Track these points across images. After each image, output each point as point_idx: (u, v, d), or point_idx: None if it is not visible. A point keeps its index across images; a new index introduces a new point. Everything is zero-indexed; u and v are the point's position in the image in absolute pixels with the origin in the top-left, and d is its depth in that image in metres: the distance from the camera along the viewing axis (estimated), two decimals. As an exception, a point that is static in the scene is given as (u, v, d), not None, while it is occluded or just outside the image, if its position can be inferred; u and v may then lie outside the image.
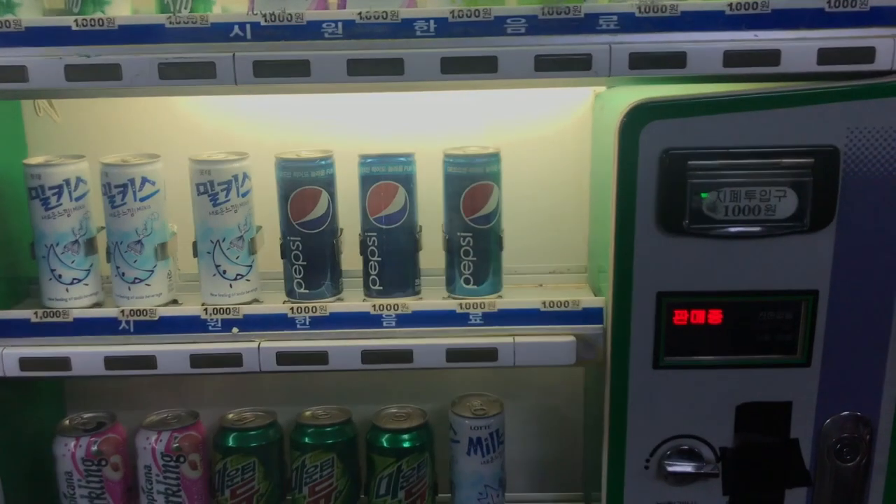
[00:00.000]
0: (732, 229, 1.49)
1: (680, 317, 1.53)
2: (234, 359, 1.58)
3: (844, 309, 1.52)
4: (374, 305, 1.60)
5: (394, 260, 1.65)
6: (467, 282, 1.66)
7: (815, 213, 1.48)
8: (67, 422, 1.77)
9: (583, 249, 1.82)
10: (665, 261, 1.50)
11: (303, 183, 1.59)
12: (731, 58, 1.43)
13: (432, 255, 1.70)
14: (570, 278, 1.82)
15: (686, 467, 1.58)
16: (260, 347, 1.58)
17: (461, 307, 1.60)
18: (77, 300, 1.64)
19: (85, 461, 1.70)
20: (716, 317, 1.53)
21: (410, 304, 1.61)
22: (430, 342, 1.59)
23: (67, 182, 1.59)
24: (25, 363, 1.58)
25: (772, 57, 1.43)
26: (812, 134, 1.45)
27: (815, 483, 1.60)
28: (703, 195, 1.47)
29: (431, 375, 1.92)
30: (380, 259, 1.64)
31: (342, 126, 1.79)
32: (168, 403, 1.85)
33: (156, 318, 1.59)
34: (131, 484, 1.77)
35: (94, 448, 1.71)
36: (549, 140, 1.83)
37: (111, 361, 1.58)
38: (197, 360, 1.58)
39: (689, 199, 1.47)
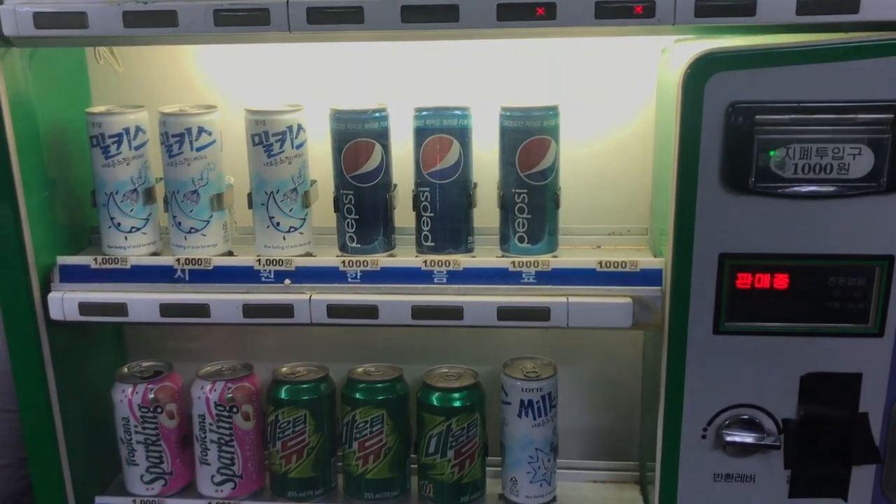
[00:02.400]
0: (802, 189, 1.41)
1: (743, 280, 1.46)
2: (286, 310, 1.58)
3: (922, 276, 1.44)
4: (425, 261, 1.58)
5: (446, 216, 1.62)
6: (521, 240, 1.62)
7: (893, 173, 1.39)
8: (126, 369, 1.81)
9: (645, 211, 1.76)
10: (729, 221, 1.43)
11: (356, 135, 1.57)
12: (806, 4, 1.35)
13: (488, 214, 1.67)
14: (630, 240, 1.75)
15: (746, 438, 1.52)
16: (311, 299, 1.58)
17: (514, 265, 1.57)
18: (135, 248, 1.66)
19: (141, 407, 1.74)
20: (782, 281, 1.46)
21: (462, 260, 1.58)
22: (481, 300, 1.56)
23: (127, 131, 1.61)
24: (85, 308, 1.62)
25: (850, 3, 1.34)
26: (892, 87, 1.36)
27: (884, 461, 1.53)
28: (772, 153, 1.40)
29: (485, 337, 1.89)
30: (432, 215, 1.62)
31: (399, 79, 1.76)
32: (225, 356, 1.86)
33: (210, 268, 1.61)
34: (186, 432, 1.80)
35: (151, 395, 1.74)
36: (613, 97, 1.76)
37: (166, 308, 1.60)
38: (249, 310, 1.59)
39: (755, 156, 1.40)
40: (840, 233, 1.42)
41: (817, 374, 1.49)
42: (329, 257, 1.62)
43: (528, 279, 1.57)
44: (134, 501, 1.77)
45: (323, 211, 1.69)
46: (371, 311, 1.57)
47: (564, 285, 1.56)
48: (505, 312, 1.56)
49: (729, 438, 1.52)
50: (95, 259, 1.62)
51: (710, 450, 1.54)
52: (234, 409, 1.74)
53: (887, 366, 1.48)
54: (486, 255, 1.64)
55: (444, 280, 1.58)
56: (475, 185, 1.64)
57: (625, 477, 1.90)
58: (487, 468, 1.81)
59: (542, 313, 1.55)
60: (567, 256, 1.62)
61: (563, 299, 1.54)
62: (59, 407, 1.69)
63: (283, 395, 1.74)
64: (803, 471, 1.54)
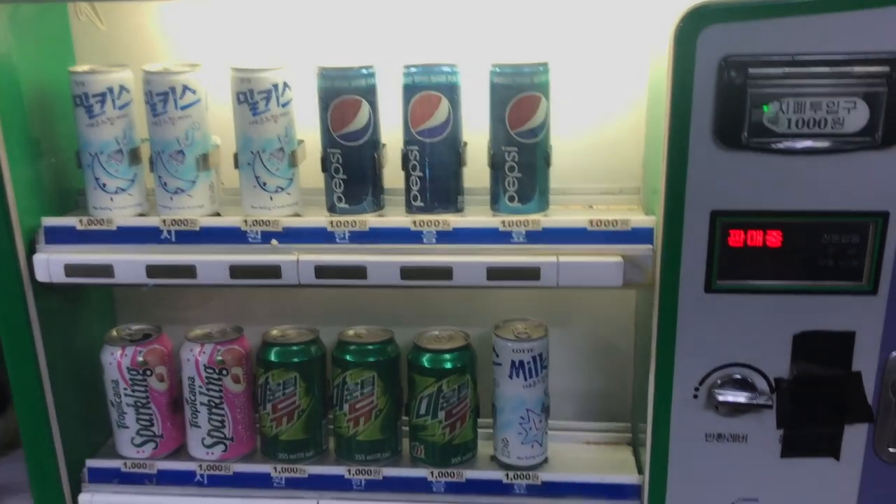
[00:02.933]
0: (796, 144, 1.39)
1: (735, 238, 1.44)
2: (273, 271, 1.57)
3: (917, 233, 1.42)
4: (414, 221, 1.56)
5: (436, 175, 1.59)
6: (512, 199, 1.59)
7: (889, 128, 1.36)
8: (115, 332, 1.80)
9: (637, 170, 1.73)
10: (721, 177, 1.41)
11: (343, 92, 1.55)
12: (801, -48, 1.32)
13: (479, 174, 1.64)
14: (623, 199, 1.73)
15: (738, 397, 1.51)
16: (299, 260, 1.56)
17: (504, 224, 1.55)
18: (121, 209, 1.64)
19: (130, 370, 1.73)
20: (774, 238, 1.44)
21: (452, 220, 1.56)
22: (470, 259, 1.54)
23: (111, 90, 1.58)
24: (70, 269, 1.60)
25: (846, -48, 1.31)
26: (888, 39, 1.33)
27: (877, 420, 1.52)
28: (765, 108, 1.37)
29: (477, 300, 1.88)
30: (421, 174, 1.59)
31: (388, 36, 1.72)
32: (215, 320, 1.85)
33: (197, 229, 1.59)
34: (176, 395, 1.79)
35: (140, 358, 1.73)
36: (605, 54, 1.73)
37: (153, 270, 1.59)
38: (236, 270, 1.57)
39: (748, 111, 1.37)
40: (834, 189, 1.40)
41: (810, 333, 1.48)
42: (317, 217, 1.60)
43: (519, 239, 1.55)
44: (125, 464, 1.77)
45: (311, 172, 1.66)
46: (359, 271, 1.56)
47: (555, 244, 1.54)
48: (495, 272, 1.54)
49: (721, 398, 1.51)
50: (81, 220, 1.61)
51: (701, 409, 1.54)
52: (224, 372, 1.73)
53: (881, 324, 1.46)
54: (476, 215, 1.62)
55: (434, 240, 1.56)
56: (465, 143, 1.61)
57: (617, 438, 1.89)
58: (479, 430, 1.81)
59: (532, 273, 1.53)
60: (558, 216, 1.60)
61: (554, 258, 1.52)
62: (47, 370, 1.68)
63: (273, 357, 1.73)
64: (795, 430, 1.53)
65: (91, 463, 1.78)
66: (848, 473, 1.55)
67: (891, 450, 1.52)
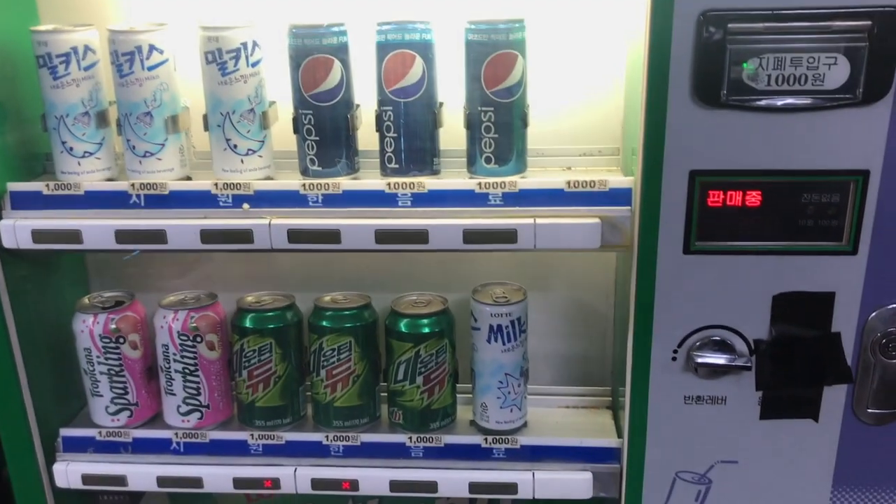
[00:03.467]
0: (776, 101, 1.36)
1: (714, 198, 1.42)
2: (245, 235, 1.53)
3: (898, 192, 1.40)
4: (388, 183, 1.53)
5: (410, 136, 1.56)
6: (488, 161, 1.56)
7: (870, 84, 1.33)
8: (87, 300, 1.77)
9: (617, 131, 1.70)
10: (700, 136, 1.38)
11: (314, 51, 1.50)
12: None
13: (455, 136, 1.61)
14: (602, 161, 1.70)
15: (717, 359, 1.50)
16: (271, 224, 1.53)
17: (480, 187, 1.52)
18: (89, 174, 1.60)
19: (103, 338, 1.70)
20: (754, 198, 1.42)
21: (427, 182, 1.53)
22: (446, 222, 1.52)
23: (75, 50, 1.54)
24: (38, 235, 1.57)
25: None
26: (870, -7, 1.31)
27: (856, 380, 1.51)
28: (746, 65, 1.34)
29: (457, 266, 1.85)
30: (396, 135, 1.56)
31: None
32: (190, 287, 1.82)
33: (166, 193, 1.55)
34: (151, 363, 1.77)
35: (112, 325, 1.70)
36: (584, 11, 1.69)
37: (122, 235, 1.55)
38: (207, 235, 1.54)
39: (728, 68, 1.34)
40: (814, 147, 1.37)
41: (790, 294, 1.46)
42: (289, 181, 1.57)
43: (495, 201, 1.52)
44: (99, 433, 1.75)
45: (284, 134, 1.62)
46: (333, 235, 1.53)
47: (532, 207, 1.51)
48: (471, 235, 1.51)
49: (700, 360, 1.50)
50: (48, 185, 1.57)
51: (680, 372, 1.52)
52: (199, 339, 1.70)
53: (860, 284, 1.45)
54: (452, 178, 1.59)
55: (409, 203, 1.53)
56: (441, 104, 1.58)
57: (597, 402, 1.88)
58: (458, 395, 1.79)
59: (508, 235, 1.51)
60: (535, 178, 1.57)
61: (531, 221, 1.50)
62: (17, 339, 1.65)
63: (247, 323, 1.70)
64: (775, 392, 1.53)
65: (65, 432, 1.76)
66: (827, 434, 1.54)
67: (869, 410, 1.52)
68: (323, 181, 1.54)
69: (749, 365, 1.49)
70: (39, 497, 1.77)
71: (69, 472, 1.74)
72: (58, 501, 1.79)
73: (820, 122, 1.36)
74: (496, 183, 1.51)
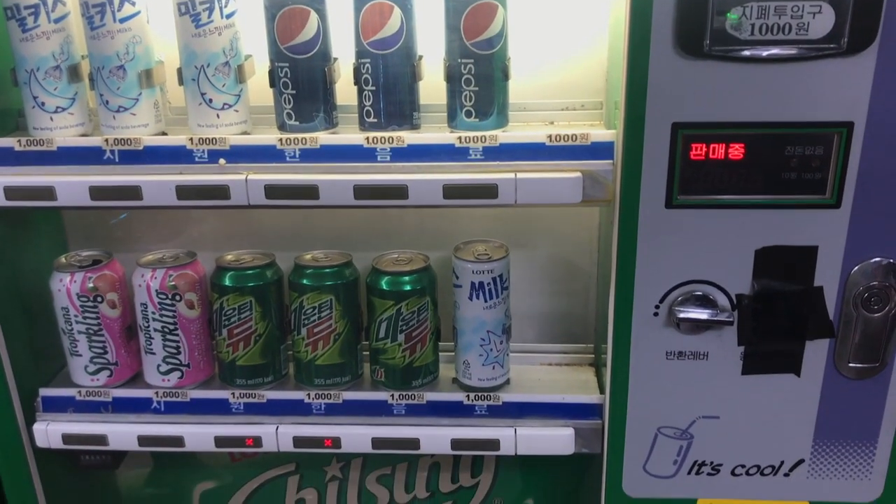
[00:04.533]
0: (760, 52, 1.33)
1: (697, 151, 1.40)
2: (222, 191, 1.51)
3: (882, 144, 1.37)
4: (367, 138, 1.50)
5: (389, 89, 1.53)
6: (469, 114, 1.54)
7: (855, 33, 1.31)
8: (64, 259, 1.74)
9: (600, 85, 1.68)
10: (682, 88, 1.36)
11: (289, 1, 1.47)
12: None
13: (436, 91, 1.58)
14: (585, 115, 1.68)
15: (699, 314, 1.49)
16: (248, 180, 1.50)
17: (460, 141, 1.49)
18: (62, 130, 1.57)
19: (80, 297, 1.68)
20: (737, 151, 1.40)
21: (406, 137, 1.50)
22: (426, 177, 1.49)
23: (44, 1, 1.50)
24: (11, 192, 1.54)
25: None
26: (857, -63, 1.28)
27: (838, 335, 1.50)
28: (729, 14, 1.31)
29: (438, 224, 1.84)
30: (374, 88, 1.53)
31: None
32: (169, 246, 1.80)
33: (140, 148, 1.52)
34: (130, 322, 1.75)
35: (90, 284, 1.68)
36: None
37: (96, 191, 1.52)
38: (183, 191, 1.51)
39: (711, 17, 1.31)
40: (798, 99, 1.35)
41: (772, 248, 1.45)
42: (266, 135, 1.54)
43: (476, 155, 1.50)
44: (79, 392, 1.73)
45: (262, 89, 1.59)
46: (311, 191, 1.50)
47: (513, 161, 1.49)
48: (451, 190, 1.49)
49: (682, 315, 1.49)
50: (19, 141, 1.53)
51: (662, 327, 1.52)
52: (177, 297, 1.68)
53: (843, 238, 1.44)
54: (432, 133, 1.57)
55: (388, 158, 1.51)
56: (420, 56, 1.55)
57: (579, 360, 1.88)
58: (441, 353, 1.79)
59: (489, 190, 1.49)
60: (516, 132, 1.55)
61: (511, 175, 1.48)
62: (-6, 298, 1.64)
63: (227, 281, 1.68)
64: (756, 347, 1.52)
65: (45, 392, 1.75)
66: (808, 389, 1.54)
67: (851, 365, 1.51)
68: (300, 136, 1.51)
69: (731, 320, 1.49)
70: (20, 457, 1.76)
71: (49, 431, 1.73)
72: (39, 462, 1.78)
73: (804, 72, 1.33)
74: (477, 137, 1.49)
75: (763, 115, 1.37)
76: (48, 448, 1.75)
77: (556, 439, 1.66)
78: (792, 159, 1.40)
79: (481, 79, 1.51)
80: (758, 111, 1.37)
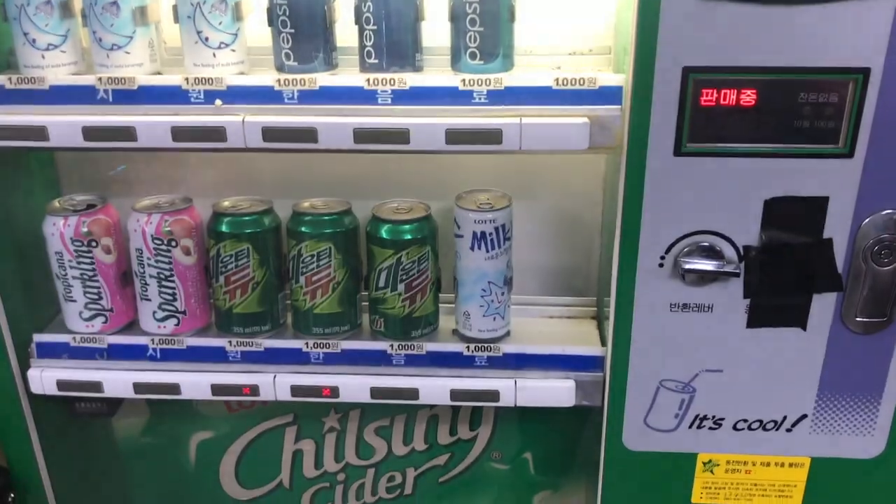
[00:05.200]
0: (775, -8, 1.29)
1: (707, 97, 1.36)
2: (218, 133, 1.47)
3: (899, 91, 1.34)
4: (368, 79, 1.46)
5: (391, 28, 1.48)
6: (473, 56, 1.49)
7: (875, -26, 1.27)
8: (57, 203, 1.71)
9: (609, 30, 1.63)
10: (695, 30, 1.31)
11: (288, -65, 1.42)
12: None
13: (440, 33, 1.53)
14: (593, 61, 1.63)
15: (705, 265, 1.46)
16: (245, 121, 1.46)
17: (464, 83, 1.45)
18: (55, 68, 1.52)
19: (74, 241, 1.65)
20: (749, 97, 1.35)
21: (408, 79, 1.46)
22: (428, 121, 1.45)
23: (34, -68, 1.45)
24: (2, 131, 1.49)
25: None
26: None
27: (846, 288, 1.47)
28: (745, -47, 1.26)
29: (440, 172, 1.79)
30: (375, 27, 1.48)
31: None
32: (166, 192, 1.77)
33: (135, 88, 1.48)
34: (126, 269, 1.72)
35: (84, 228, 1.65)
36: None
37: (89, 132, 1.48)
38: (178, 133, 1.47)
39: (725, -46, 1.27)
40: (812, 44, 1.31)
41: (782, 199, 1.41)
42: (263, 76, 1.49)
43: (480, 99, 1.45)
44: (74, 339, 1.71)
45: (262, 30, 1.54)
46: (310, 133, 1.46)
47: (518, 105, 1.45)
48: (454, 135, 1.45)
49: (687, 266, 1.46)
50: (10, 79, 1.49)
51: (667, 278, 1.48)
52: (173, 243, 1.65)
53: (855, 189, 1.40)
54: (435, 74, 1.52)
55: (389, 100, 1.46)
56: (423, -5, 1.50)
57: (581, 312, 1.85)
58: (441, 305, 1.76)
59: (493, 136, 1.45)
60: (522, 75, 1.50)
61: (516, 120, 1.44)
62: (-14, 242, 1.61)
63: (223, 227, 1.65)
64: (762, 300, 1.49)
65: (39, 338, 1.72)
66: (814, 343, 1.52)
67: (858, 319, 1.48)
68: (299, 77, 1.46)
69: (738, 272, 1.46)
70: (15, 403, 1.74)
71: (44, 377, 1.71)
72: (34, 408, 1.77)
73: (820, 15, 1.28)
74: (481, 80, 1.44)
75: (776, 60, 1.32)
76: (43, 394, 1.73)
77: (556, 391, 1.64)
78: (805, 107, 1.35)
79: (487, 19, 1.45)
80: (771, 56, 1.32)
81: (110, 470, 2.10)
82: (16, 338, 1.70)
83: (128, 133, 1.48)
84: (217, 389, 1.71)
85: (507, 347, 1.67)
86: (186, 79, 1.47)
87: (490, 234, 1.61)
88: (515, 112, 1.45)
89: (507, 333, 1.73)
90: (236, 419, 2.05)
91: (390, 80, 1.45)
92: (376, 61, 1.50)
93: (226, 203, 1.70)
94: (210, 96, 1.47)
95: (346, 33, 1.55)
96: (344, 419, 2.03)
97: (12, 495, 1.82)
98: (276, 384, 1.70)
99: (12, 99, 1.50)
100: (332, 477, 2.10)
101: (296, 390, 1.71)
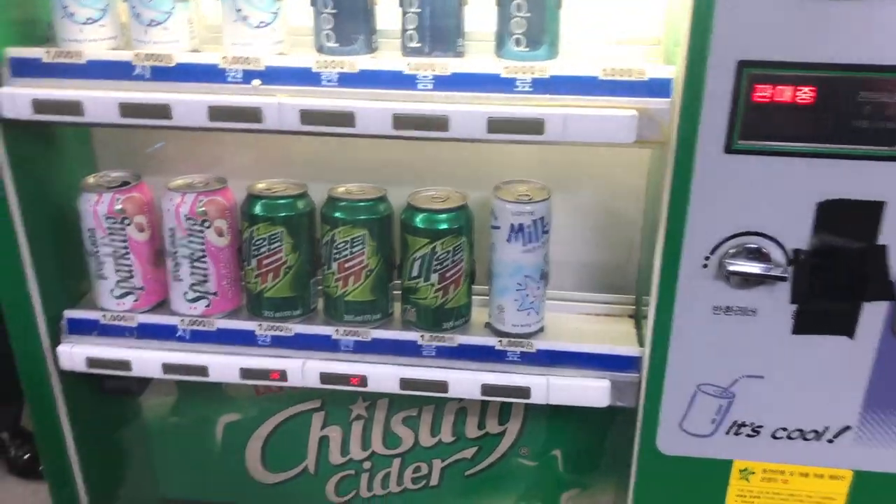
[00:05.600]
0: (839, -17, 1.23)
1: (762, 92, 1.30)
2: (254, 113, 1.44)
3: (967, 93, 1.27)
4: (409, 64, 1.42)
5: (434, 13, 1.44)
6: (518, 43, 1.44)
7: (947, -35, 1.20)
8: (92, 179, 1.70)
9: (659, 20, 1.57)
10: (750, 23, 1.25)
11: (332, -86, 1.38)
12: None
13: (484, 19, 1.49)
14: (642, 52, 1.57)
15: (751, 268, 1.40)
16: (281, 103, 1.43)
17: (507, 71, 1.41)
18: (93, 42, 1.50)
19: (108, 218, 1.63)
20: (806, 95, 1.29)
21: (450, 64, 1.42)
22: (469, 108, 1.41)
23: None
24: (39, 105, 1.48)
25: None
26: None
27: (898, 298, 1.42)
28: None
29: (478, 162, 1.75)
30: (419, 10, 1.44)
31: None
32: (200, 172, 1.74)
33: (172, 65, 1.46)
34: (158, 247, 1.70)
35: (118, 206, 1.63)
36: None
37: (126, 108, 1.47)
38: (215, 112, 1.45)
39: (788, -56, 1.21)
40: (874, 39, 1.24)
41: (836, 202, 1.36)
42: (302, 56, 1.46)
43: (523, 87, 1.41)
44: (104, 316, 1.70)
45: (302, 10, 1.51)
46: (347, 118, 1.43)
47: (563, 95, 1.40)
48: (496, 124, 1.41)
49: (733, 268, 1.40)
50: (48, 52, 1.47)
51: (711, 280, 1.43)
52: (206, 223, 1.63)
53: (914, 193, 1.34)
54: (477, 60, 1.48)
55: (430, 86, 1.43)
56: (468, -22, 1.45)
57: (619, 311, 1.80)
58: (475, 297, 1.72)
59: (535, 126, 1.40)
60: (567, 63, 1.45)
61: (561, 110, 1.39)
62: (21, 216, 1.59)
63: (257, 210, 1.63)
64: (810, 306, 1.43)
65: (69, 314, 1.72)
66: (861, 353, 1.46)
67: (910, 330, 1.43)
68: (338, 59, 1.43)
69: (785, 276, 1.40)
70: (44, 379, 1.74)
71: (74, 354, 1.71)
72: (64, 384, 1.76)
73: (883, 9, 1.22)
74: (525, 68, 1.40)
75: (837, 56, 1.26)
76: (72, 371, 1.73)
77: (590, 391, 1.60)
78: (865, 106, 1.29)
79: (534, 5, 1.41)
80: (831, 51, 1.26)
81: (137, 448, 2.10)
82: (47, 313, 1.69)
83: (164, 111, 1.46)
84: (246, 373, 1.70)
85: (541, 343, 1.62)
86: (224, 57, 1.44)
87: (528, 226, 1.57)
88: (559, 102, 1.40)
89: (541, 329, 1.68)
90: (264, 402, 2.03)
91: (431, 66, 1.41)
92: (418, 45, 1.46)
93: (260, 185, 1.68)
94: (248, 76, 1.45)
95: (386, 16, 1.51)
96: (372, 407, 2.01)
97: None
98: (304, 370, 1.68)
99: (50, 73, 1.48)
100: (357, 465, 2.08)
101: (324, 377, 1.68)
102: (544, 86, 1.40)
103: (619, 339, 1.69)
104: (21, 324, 1.69)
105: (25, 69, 1.49)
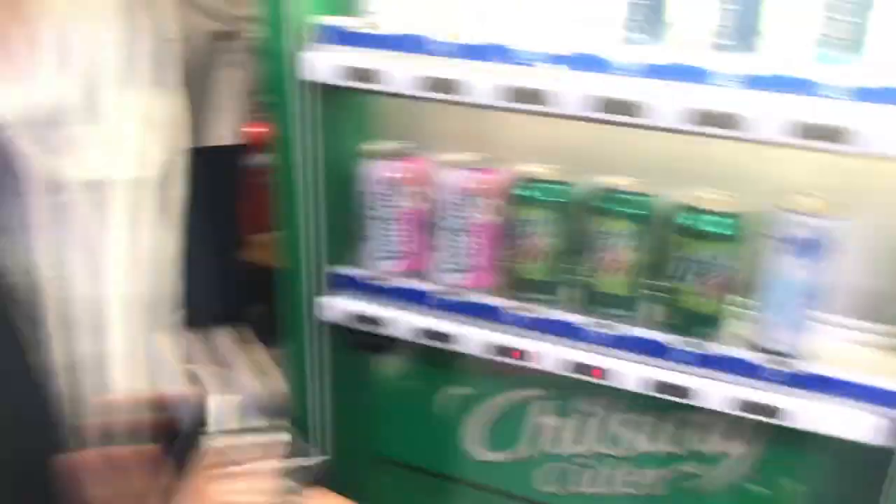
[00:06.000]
0: None
1: None
2: (541, 97, 1.46)
3: None
4: (712, 60, 1.37)
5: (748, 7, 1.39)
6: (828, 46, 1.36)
7: None
8: (373, 147, 1.78)
9: None
10: None
11: None
12: None
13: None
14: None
15: None
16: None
17: (816, 76, 1.33)
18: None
19: (381, 184, 1.72)
20: None
21: (751, 64, 1.36)
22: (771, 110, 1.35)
23: None
24: (341, 72, 1.59)
25: None
26: None
27: None
28: None
29: (752, 168, 1.66)
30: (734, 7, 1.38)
31: None
32: (472, 150, 1.79)
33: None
34: (425, 218, 1.76)
35: (393, 174, 1.71)
36: None
37: (420, 82, 1.53)
38: (501, 92, 1.48)
39: None
40: None
41: None
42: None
43: (830, 93, 1.33)
44: (363, 275, 1.80)
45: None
46: (635, 108, 1.42)
47: (875, 102, 1.31)
48: (802, 129, 1.34)
49: None
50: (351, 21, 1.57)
51: None
52: (474, 200, 1.67)
53: None
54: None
55: (734, 84, 1.38)
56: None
57: (888, 343, 1.66)
58: (732, 308, 1.65)
59: (841, 134, 1.32)
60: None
61: (874, 119, 1.30)
62: (303, 175, 1.71)
63: (526, 192, 1.65)
64: None
65: (330, 269, 1.83)
66: None
67: None
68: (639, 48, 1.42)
69: None
70: (300, 327, 1.87)
71: (333, 305, 1.82)
72: (318, 332, 1.88)
73: None
74: (835, 73, 1.32)
75: None
76: (327, 322, 1.84)
77: (857, 424, 1.49)
78: None
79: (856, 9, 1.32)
80: None
81: (366, 403, 2.19)
82: (314, 266, 1.80)
83: (453, 86, 1.51)
84: (488, 348, 1.73)
85: (803, 365, 1.53)
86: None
87: (810, 242, 1.48)
88: (873, 110, 1.31)
89: (804, 351, 1.59)
90: (493, 380, 2.05)
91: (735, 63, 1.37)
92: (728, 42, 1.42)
93: (532, 168, 1.70)
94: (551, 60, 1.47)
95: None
96: (598, 404, 1.98)
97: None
98: (547, 354, 1.69)
99: (351, 41, 1.58)
100: (573, 459, 2.06)
101: (566, 364, 1.68)
102: (854, 93, 1.32)
103: (891, 372, 1.56)
104: (290, 272, 1.81)
105: (334, 38, 1.59)
